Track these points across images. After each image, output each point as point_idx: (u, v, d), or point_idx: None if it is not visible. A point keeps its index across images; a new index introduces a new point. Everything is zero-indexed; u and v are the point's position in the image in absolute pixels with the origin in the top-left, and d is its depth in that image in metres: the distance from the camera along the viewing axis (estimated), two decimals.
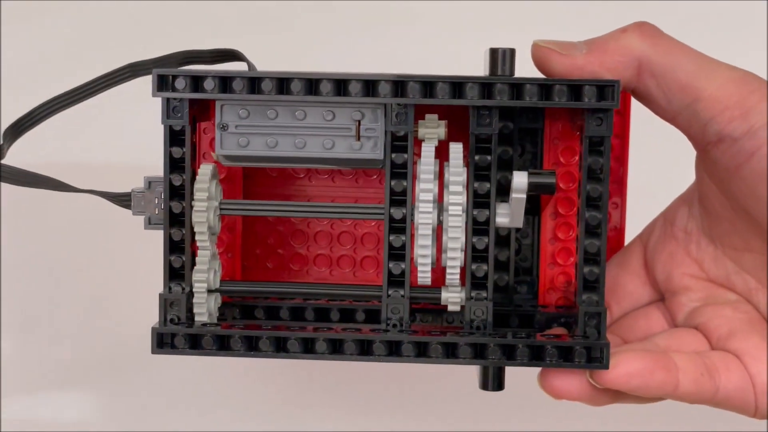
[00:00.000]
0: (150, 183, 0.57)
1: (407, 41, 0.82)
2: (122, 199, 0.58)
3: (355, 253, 0.65)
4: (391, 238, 0.56)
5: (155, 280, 0.57)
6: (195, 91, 0.54)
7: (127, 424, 0.75)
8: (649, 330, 0.61)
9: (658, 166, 0.69)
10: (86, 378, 0.75)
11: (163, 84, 0.54)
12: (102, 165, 0.83)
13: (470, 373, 0.57)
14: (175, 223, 0.56)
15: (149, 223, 0.58)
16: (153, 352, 0.55)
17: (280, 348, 0.54)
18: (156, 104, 0.56)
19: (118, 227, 0.59)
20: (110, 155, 0.83)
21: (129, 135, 0.78)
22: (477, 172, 0.55)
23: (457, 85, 0.53)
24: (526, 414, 0.69)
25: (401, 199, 0.55)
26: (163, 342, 0.55)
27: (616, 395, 0.57)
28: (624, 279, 0.62)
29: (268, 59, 0.63)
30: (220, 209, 0.57)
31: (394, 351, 0.54)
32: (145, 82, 0.59)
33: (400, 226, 0.56)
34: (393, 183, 0.55)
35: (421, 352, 0.54)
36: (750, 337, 0.58)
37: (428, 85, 0.53)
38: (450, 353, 0.54)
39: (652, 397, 0.57)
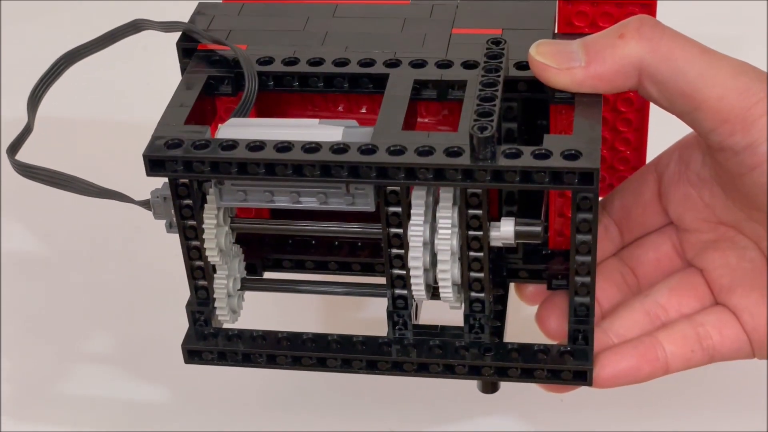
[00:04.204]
0: (165, 198, 0.59)
1: None
2: (145, 205, 0.61)
3: None
4: (392, 260, 0.58)
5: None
6: (188, 171, 0.55)
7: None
8: (658, 266, 0.63)
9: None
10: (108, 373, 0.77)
11: (157, 166, 0.55)
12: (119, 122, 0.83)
13: None
14: (192, 238, 0.59)
15: (170, 227, 0.61)
16: (186, 362, 0.61)
17: (296, 361, 0.60)
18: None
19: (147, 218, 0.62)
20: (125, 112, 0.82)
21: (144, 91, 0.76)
22: (469, 215, 0.56)
23: (441, 171, 0.53)
24: (522, 414, 0.72)
25: (398, 234, 0.57)
26: (193, 355, 0.61)
27: None
28: (636, 210, 0.64)
29: None
30: (231, 228, 0.60)
31: (397, 367, 0.60)
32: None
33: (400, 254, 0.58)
34: (389, 230, 0.57)
35: (422, 368, 0.59)
36: (750, 294, 0.60)
37: (411, 171, 0.53)
38: (448, 370, 0.59)
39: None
